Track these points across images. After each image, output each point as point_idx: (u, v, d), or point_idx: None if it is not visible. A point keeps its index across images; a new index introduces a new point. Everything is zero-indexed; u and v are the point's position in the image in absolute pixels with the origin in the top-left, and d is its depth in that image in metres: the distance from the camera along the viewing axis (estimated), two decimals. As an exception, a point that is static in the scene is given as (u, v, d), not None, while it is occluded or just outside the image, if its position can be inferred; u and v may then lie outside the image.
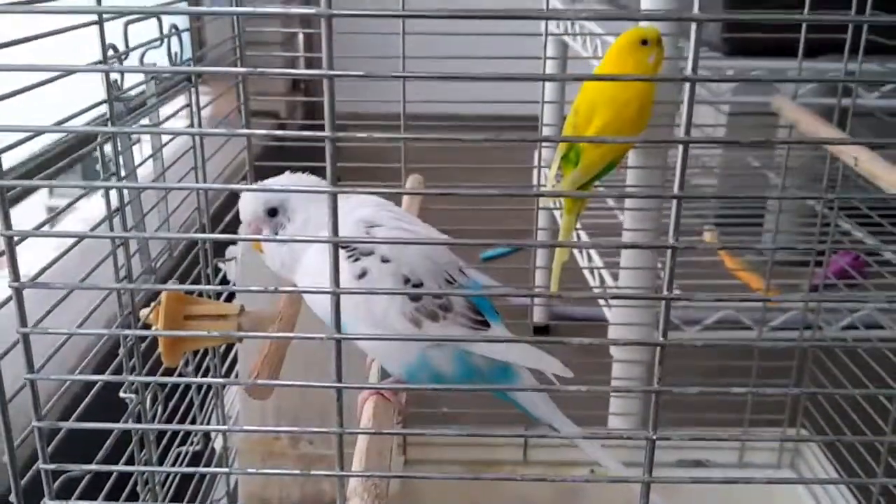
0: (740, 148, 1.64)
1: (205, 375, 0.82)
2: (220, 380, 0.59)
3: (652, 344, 0.37)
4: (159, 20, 0.63)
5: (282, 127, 2.21)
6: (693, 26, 0.33)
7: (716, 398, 1.04)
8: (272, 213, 0.55)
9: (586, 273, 1.16)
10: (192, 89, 0.68)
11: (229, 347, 0.85)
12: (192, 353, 0.76)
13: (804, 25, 0.87)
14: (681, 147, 0.34)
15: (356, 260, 0.53)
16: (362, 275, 0.53)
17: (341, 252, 0.49)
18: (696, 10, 0.33)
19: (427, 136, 0.41)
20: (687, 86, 0.34)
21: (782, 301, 0.97)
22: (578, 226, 1.27)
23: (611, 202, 1.31)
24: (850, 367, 0.97)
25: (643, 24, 0.94)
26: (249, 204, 0.55)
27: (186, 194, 0.74)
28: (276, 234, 0.55)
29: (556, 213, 1.17)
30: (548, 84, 1.46)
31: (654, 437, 0.39)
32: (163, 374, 0.70)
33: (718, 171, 1.61)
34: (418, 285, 0.53)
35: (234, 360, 0.86)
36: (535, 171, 1.02)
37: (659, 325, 0.38)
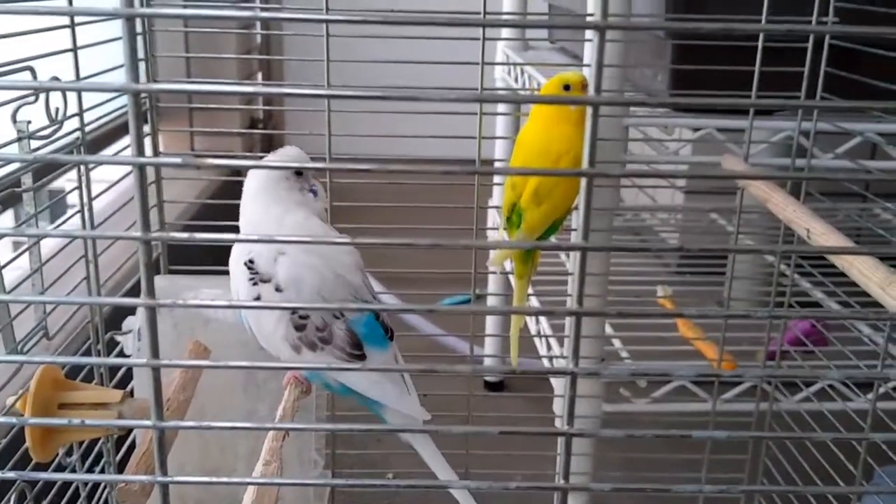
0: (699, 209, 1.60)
1: (97, 460, 0.74)
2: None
3: (553, 488, 0.30)
4: (32, 72, 0.56)
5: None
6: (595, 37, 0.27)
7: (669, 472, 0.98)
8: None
9: (535, 340, 1.10)
10: (81, 167, 0.60)
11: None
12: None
13: (755, 82, 0.82)
14: (578, 255, 0.28)
15: (254, 284, 0.59)
16: (256, 298, 0.58)
17: (245, 270, 0.59)
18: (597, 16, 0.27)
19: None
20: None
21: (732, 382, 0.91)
22: (531, 290, 1.21)
23: (567, 265, 1.26)
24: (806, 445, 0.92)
25: (569, 69, 0.89)
26: None
27: (76, 260, 0.66)
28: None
29: (510, 277, 1.11)
30: (500, 127, 1.42)
31: None
32: (35, 467, 0.62)
33: (682, 228, 1.57)
34: (305, 317, 0.59)
35: (134, 444, 0.78)
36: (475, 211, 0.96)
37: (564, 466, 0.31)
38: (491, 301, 1.43)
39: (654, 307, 1.15)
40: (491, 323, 1.46)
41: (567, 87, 0.78)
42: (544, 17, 1.60)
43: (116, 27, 0.63)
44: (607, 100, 0.27)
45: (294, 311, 0.58)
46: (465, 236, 0.95)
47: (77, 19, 0.62)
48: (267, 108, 2.26)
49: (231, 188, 1.32)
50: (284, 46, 2.71)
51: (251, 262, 0.59)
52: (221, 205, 0.81)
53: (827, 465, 0.87)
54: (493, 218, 1.40)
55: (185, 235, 0.28)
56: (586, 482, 0.90)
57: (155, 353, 0.29)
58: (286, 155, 0.65)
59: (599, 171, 0.28)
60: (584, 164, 0.28)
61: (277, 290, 0.58)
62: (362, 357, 0.60)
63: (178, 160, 0.26)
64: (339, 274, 0.61)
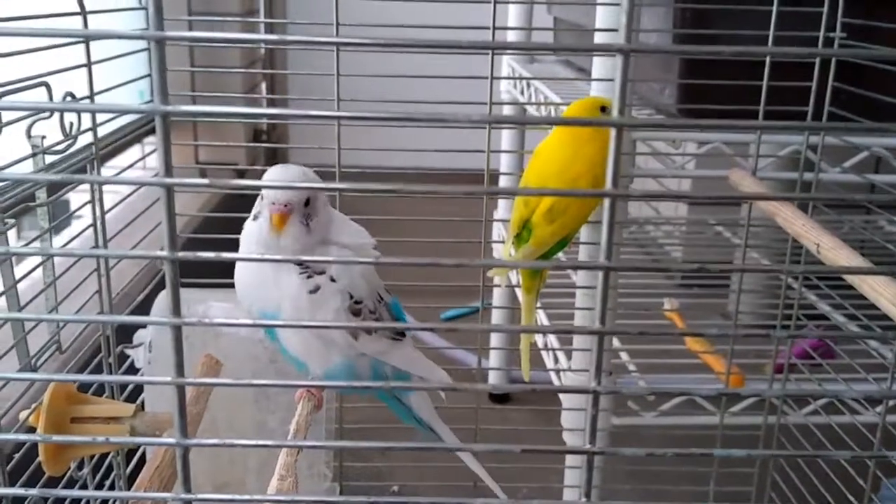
0: (704, 218, 1.60)
1: (107, 473, 0.74)
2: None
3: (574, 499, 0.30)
4: (48, 86, 0.56)
5: (240, 175, 2.13)
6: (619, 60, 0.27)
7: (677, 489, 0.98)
8: (307, 202, 0.60)
9: (542, 353, 1.10)
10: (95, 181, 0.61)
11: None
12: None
13: (763, 96, 0.82)
14: (600, 274, 0.28)
15: (309, 277, 0.60)
16: (315, 290, 0.60)
17: (296, 269, 0.60)
18: (622, 39, 0.27)
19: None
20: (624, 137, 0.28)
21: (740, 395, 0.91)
22: (539, 304, 1.21)
23: (574, 278, 1.25)
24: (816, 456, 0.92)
25: (595, 93, 0.89)
26: (294, 191, 0.60)
27: (88, 274, 0.66)
28: (307, 222, 0.60)
29: (517, 291, 1.11)
30: (505, 143, 1.43)
31: None
32: (47, 482, 0.62)
33: (686, 241, 1.57)
34: (359, 301, 0.62)
35: (144, 457, 0.78)
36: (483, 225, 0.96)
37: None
38: (497, 313, 1.42)
39: (663, 321, 1.15)
40: (496, 335, 1.45)
41: (604, 109, 0.77)
42: (551, 36, 1.60)
43: (127, 42, 0.63)
44: (631, 121, 0.28)
45: (350, 296, 0.61)
46: (472, 249, 0.96)
47: (91, 35, 0.63)
48: (271, 120, 2.26)
49: (234, 201, 1.32)
50: (289, 57, 2.71)
51: None
52: (225, 218, 0.81)
53: (835, 478, 0.87)
54: (498, 229, 1.40)
55: (212, 255, 0.28)
56: (597, 496, 0.89)
57: (180, 370, 0.29)
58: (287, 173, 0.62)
59: (623, 192, 0.28)
60: (608, 185, 0.29)
61: (332, 280, 0.61)
62: (403, 336, 0.66)
63: (206, 181, 0.27)
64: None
